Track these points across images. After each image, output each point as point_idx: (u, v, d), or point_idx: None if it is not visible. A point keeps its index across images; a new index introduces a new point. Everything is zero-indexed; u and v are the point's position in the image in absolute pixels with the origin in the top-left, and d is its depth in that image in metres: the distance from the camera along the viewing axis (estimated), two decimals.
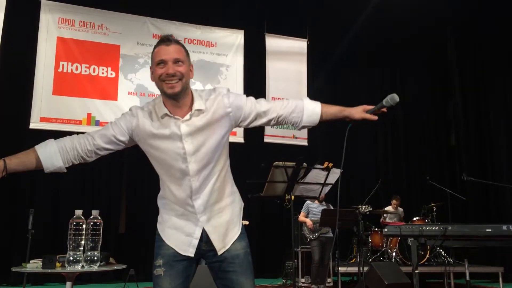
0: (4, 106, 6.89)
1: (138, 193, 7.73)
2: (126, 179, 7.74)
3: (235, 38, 8.51)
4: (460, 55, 9.42)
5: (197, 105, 1.86)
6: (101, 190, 7.56)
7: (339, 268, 6.66)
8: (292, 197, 3.65)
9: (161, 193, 1.98)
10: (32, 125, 7.05)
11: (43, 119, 7.14)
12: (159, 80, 1.82)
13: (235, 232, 1.97)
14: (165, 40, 1.85)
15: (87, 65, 7.53)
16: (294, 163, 3.56)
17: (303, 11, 8.39)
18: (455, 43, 9.43)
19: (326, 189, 3.90)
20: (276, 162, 3.58)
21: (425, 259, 7.13)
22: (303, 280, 6.90)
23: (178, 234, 1.90)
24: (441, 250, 7.18)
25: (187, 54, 1.89)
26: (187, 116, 1.84)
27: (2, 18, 6.95)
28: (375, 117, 2.07)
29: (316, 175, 3.69)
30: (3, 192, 6.75)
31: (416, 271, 3.62)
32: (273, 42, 8.72)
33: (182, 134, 1.82)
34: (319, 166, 3.71)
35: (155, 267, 1.88)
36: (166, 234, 1.92)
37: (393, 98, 1.98)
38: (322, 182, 3.74)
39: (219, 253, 1.92)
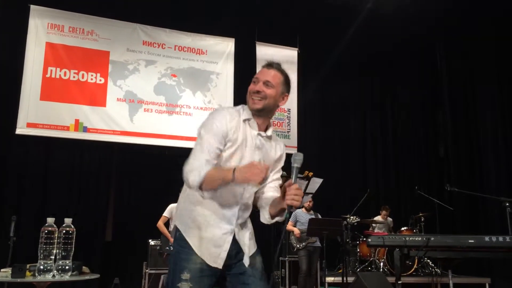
0: None
1: (125, 201, 7.66)
2: (113, 187, 7.67)
3: (226, 46, 8.51)
4: (449, 65, 9.48)
5: (270, 132, 2.09)
6: (88, 198, 7.47)
7: (326, 278, 6.63)
8: None
9: (196, 200, 1.96)
10: (18, 131, 6.98)
11: (30, 125, 7.07)
12: (248, 94, 2.05)
13: (254, 245, 2.08)
14: (268, 64, 2.09)
15: (76, 71, 7.48)
16: None
17: (294, 20, 8.41)
18: (445, 54, 9.50)
19: (307, 198, 3.87)
20: None
21: (412, 270, 7.12)
22: None
23: (208, 245, 1.92)
24: (428, 261, 7.17)
25: (284, 84, 2.07)
26: (263, 133, 2.04)
27: None
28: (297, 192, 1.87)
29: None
30: None
31: (399, 282, 3.59)
32: (263, 51, 8.73)
33: (255, 144, 2.00)
34: (299, 175, 3.68)
35: (181, 280, 1.87)
36: (196, 243, 1.92)
37: (298, 156, 1.91)
38: (303, 191, 3.70)
39: (245, 259, 1.97)
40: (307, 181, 3.63)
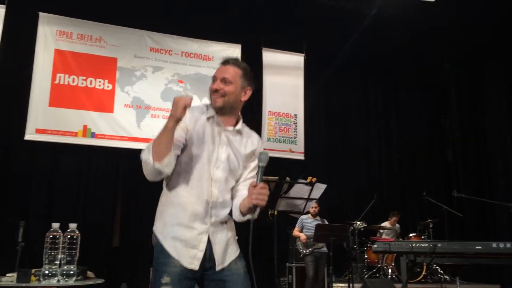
0: (0, 117, 6.89)
1: (133, 206, 7.69)
2: (120, 193, 7.70)
3: (232, 52, 8.54)
4: (456, 69, 9.44)
5: (239, 126, 2.07)
6: (95, 204, 7.50)
7: (334, 284, 6.60)
8: (275, 212, 3.61)
9: (168, 196, 1.97)
10: (27, 137, 7.04)
11: (38, 131, 7.13)
12: (209, 93, 2.05)
13: (234, 251, 2.03)
14: (225, 61, 2.10)
15: (84, 77, 7.54)
16: (277, 178, 3.54)
17: (300, 26, 8.43)
18: (452, 58, 9.46)
19: (310, 203, 3.86)
20: None
21: (421, 276, 7.06)
22: None
23: (182, 246, 1.90)
24: (437, 267, 7.10)
25: (244, 78, 2.07)
26: (230, 128, 2.03)
27: (1, 30, 6.98)
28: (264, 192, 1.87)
29: (299, 189, 3.65)
30: (1, 205, 6.71)
31: None
32: (270, 57, 8.76)
33: (221, 140, 1.99)
34: (302, 180, 3.68)
35: (161, 284, 1.85)
36: (171, 246, 1.90)
37: (263, 155, 1.91)
38: (306, 197, 3.70)
39: (217, 268, 1.95)
40: (310, 187, 3.63)
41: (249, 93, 2.09)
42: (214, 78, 2.05)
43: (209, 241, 1.94)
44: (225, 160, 1.99)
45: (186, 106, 1.82)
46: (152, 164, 1.81)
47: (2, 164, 6.98)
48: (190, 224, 1.92)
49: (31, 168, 7.20)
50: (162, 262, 1.90)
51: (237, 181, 2.07)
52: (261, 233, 7.65)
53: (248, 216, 1.97)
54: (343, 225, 5.94)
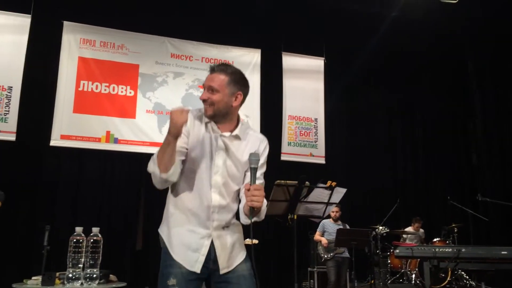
0: (26, 124, 7.07)
1: (156, 209, 7.75)
2: (143, 197, 7.79)
3: (252, 57, 8.58)
4: (480, 71, 9.26)
5: (237, 131, 2.05)
6: (118, 208, 7.61)
7: None
8: (295, 217, 3.60)
9: (172, 201, 2.02)
10: (52, 143, 7.20)
11: (63, 137, 7.28)
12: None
13: (241, 255, 2.04)
14: (211, 69, 2.06)
15: (107, 84, 7.68)
16: (296, 182, 3.53)
17: (320, 29, 8.41)
18: (475, 59, 9.29)
19: (330, 208, 3.83)
20: (277, 181, 3.55)
21: (446, 282, 6.91)
22: None
23: (185, 249, 1.94)
24: (462, 273, 6.95)
25: (232, 83, 2.02)
26: (227, 133, 2.02)
27: (27, 39, 7.18)
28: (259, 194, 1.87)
29: (319, 194, 3.63)
30: (23, 209, 6.86)
31: None
32: (289, 61, 8.76)
33: (218, 146, 1.99)
34: (322, 185, 3.67)
35: (168, 286, 1.89)
36: (175, 250, 1.95)
37: (254, 156, 1.89)
38: (326, 201, 3.68)
39: (221, 272, 1.96)
40: (330, 191, 3.61)
41: (240, 97, 2.04)
42: (203, 87, 2.04)
43: (213, 245, 1.97)
44: (222, 165, 1.99)
45: (184, 123, 1.86)
46: (159, 175, 1.88)
47: (29, 169, 7.15)
48: (192, 228, 1.96)
49: (56, 173, 7.36)
50: (167, 264, 1.95)
51: (240, 185, 2.08)
52: (281, 237, 7.69)
53: (256, 219, 1.97)
54: (364, 230, 5.87)
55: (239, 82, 2.04)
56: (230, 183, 2.01)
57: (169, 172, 1.87)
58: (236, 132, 2.05)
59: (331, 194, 3.62)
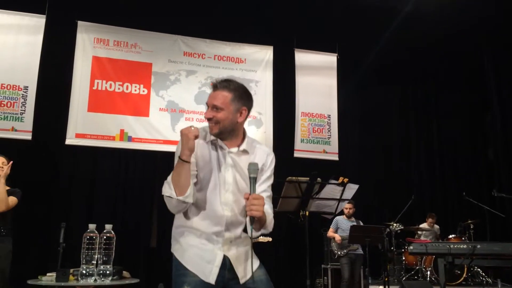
0: (42, 123, 7.17)
1: None
2: (157, 194, 7.83)
3: (264, 54, 8.57)
4: (497, 65, 9.10)
5: (244, 146, 2.05)
6: (133, 205, 7.68)
7: (371, 286, 6.51)
8: (307, 213, 3.60)
9: (182, 221, 2.03)
10: (68, 141, 7.29)
11: (78, 135, 7.37)
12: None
13: (255, 263, 2.03)
14: (214, 86, 2.02)
15: (121, 83, 7.75)
16: (308, 178, 3.52)
17: (333, 25, 8.35)
18: (491, 53, 9.13)
19: (343, 204, 3.82)
20: (289, 177, 3.55)
21: (461, 279, 6.84)
22: None
23: (199, 260, 1.95)
24: (478, 270, 6.87)
25: (236, 100, 2.00)
26: (234, 149, 2.02)
27: (41, 39, 7.28)
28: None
29: (331, 190, 3.61)
30: (39, 207, 6.96)
31: None
32: (302, 57, 8.73)
33: (226, 163, 1.99)
34: (334, 181, 3.65)
35: None
36: (188, 262, 1.96)
37: (253, 166, 1.87)
38: (338, 197, 3.66)
39: (242, 281, 1.97)
40: (342, 188, 3.59)
41: (245, 113, 2.03)
42: (207, 105, 2.02)
43: (226, 256, 1.99)
44: (232, 182, 1.99)
45: (196, 137, 1.88)
46: (176, 198, 1.88)
47: (45, 168, 7.25)
48: (204, 242, 1.98)
49: (72, 172, 7.46)
50: (180, 274, 1.95)
51: None
52: (295, 234, 7.67)
53: (263, 231, 1.99)
54: (378, 227, 5.83)
55: (243, 97, 2.02)
56: (240, 198, 1.99)
57: (186, 194, 1.88)
58: (243, 146, 2.05)
59: (343, 191, 3.61)
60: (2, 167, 3.88)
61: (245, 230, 2.08)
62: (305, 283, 3.66)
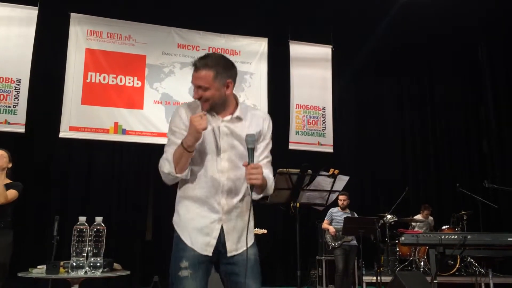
0: (35, 116, 7.14)
1: (164, 200, 7.82)
2: (152, 187, 7.85)
3: (259, 46, 8.55)
4: (492, 58, 9.11)
5: (238, 113, 2.08)
6: (128, 198, 7.69)
7: (365, 277, 6.55)
8: (298, 204, 3.61)
9: (182, 191, 2.08)
10: (61, 134, 7.27)
11: (72, 128, 7.35)
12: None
13: (249, 239, 2.02)
14: (194, 65, 2.02)
15: (114, 75, 7.71)
16: (299, 170, 3.53)
17: (327, 17, 8.33)
18: (487, 45, 9.14)
19: (333, 196, 3.83)
20: (280, 169, 3.56)
21: (454, 269, 6.89)
22: None
23: (196, 234, 2.01)
24: (471, 260, 6.92)
25: (219, 75, 2.00)
26: (228, 117, 2.06)
27: (34, 31, 7.22)
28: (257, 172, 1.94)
29: (321, 182, 3.63)
30: (34, 200, 6.94)
31: (435, 281, 3.50)
32: (297, 49, 8.71)
33: (220, 132, 2.03)
34: (324, 173, 3.66)
35: (180, 268, 1.96)
36: (187, 236, 2.02)
37: (250, 137, 1.95)
38: (329, 189, 3.67)
39: (228, 254, 2.02)
40: (333, 179, 3.60)
41: (231, 85, 2.05)
42: (193, 85, 2.04)
43: (222, 229, 2.03)
44: (228, 149, 2.04)
45: (205, 129, 1.94)
46: (174, 175, 1.98)
47: (39, 161, 7.23)
48: (203, 214, 2.02)
49: (66, 165, 7.44)
50: (179, 249, 2.01)
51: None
52: (289, 225, 7.70)
53: (255, 196, 2.06)
54: (370, 218, 5.85)
55: (225, 70, 2.03)
56: (238, 165, 2.04)
57: (185, 172, 2.00)
58: (236, 113, 2.08)
59: (334, 182, 3.62)
60: (2, 159, 3.86)
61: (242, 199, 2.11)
62: (296, 274, 3.68)
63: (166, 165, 1.97)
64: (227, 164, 2.02)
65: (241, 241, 2.05)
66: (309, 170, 3.56)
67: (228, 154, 2.03)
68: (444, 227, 7.51)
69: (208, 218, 2.02)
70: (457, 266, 6.85)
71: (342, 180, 3.70)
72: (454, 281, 6.74)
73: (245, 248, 2.01)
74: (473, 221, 7.57)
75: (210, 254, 2.00)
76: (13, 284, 6.29)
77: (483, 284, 6.48)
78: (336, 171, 3.60)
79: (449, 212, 8.33)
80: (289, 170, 3.50)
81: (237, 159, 2.04)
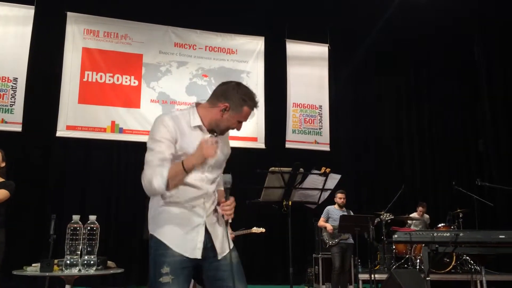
0: (32, 115, 7.15)
1: None
2: None
3: (256, 44, 8.57)
4: (488, 55, 9.14)
5: None
6: (126, 197, 7.70)
7: (361, 275, 6.58)
8: (290, 203, 3.65)
9: (162, 203, 2.08)
10: (58, 133, 7.29)
11: (69, 127, 7.37)
12: (236, 123, 2.12)
13: (231, 243, 2.11)
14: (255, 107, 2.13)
15: (111, 74, 7.73)
16: (291, 169, 3.56)
17: (324, 16, 8.34)
18: (483, 44, 9.16)
19: (326, 194, 3.86)
20: (272, 168, 3.59)
21: (450, 267, 6.93)
22: (324, 287, 6.82)
23: (183, 238, 2.02)
24: (467, 258, 6.96)
25: (212, 103, 2.13)
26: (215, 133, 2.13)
27: (30, 30, 7.24)
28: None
29: (313, 180, 3.66)
30: (31, 199, 6.96)
31: (427, 278, 3.53)
32: (293, 48, 8.73)
33: None
34: (316, 171, 3.69)
35: (161, 274, 1.95)
36: (170, 240, 2.01)
37: (227, 178, 2.06)
38: (320, 187, 3.70)
39: (219, 257, 2.07)
40: (324, 178, 3.63)
41: (222, 106, 2.08)
42: (243, 120, 2.15)
43: (207, 232, 2.07)
44: (214, 161, 2.10)
45: (213, 158, 2.01)
46: (162, 189, 1.98)
47: (36, 160, 7.25)
48: (188, 218, 2.06)
49: (63, 164, 7.46)
50: (160, 254, 2.00)
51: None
52: (284, 224, 7.73)
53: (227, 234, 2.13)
54: (364, 216, 5.86)
55: (217, 96, 2.11)
56: (218, 172, 2.17)
57: (173, 190, 2.02)
58: None
59: (325, 181, 3.65)
60: None
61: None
62: (288, 271, 3.72)
63: (157, 180, 1.94)
64: (210, 172, 2.10)
65: (224, 243, 2.09)
66: (301, 169, 3.59)
67: (213, 165, 2.11)
68: (440, 225, 7.54)
69: (192, 222, 2.05)
70: (452, 264, 6.89)
71: (334, 179, 3.73)
72: (450, 278, 6.78)
73: (227, 251, 2.07)
74: (469, 219, 7.60)
75: (199, 257, 2.02)
76: (10, 283, 6.33)
77: (478, 281, 6.50)
78: (328, 170, 3.63)
79: (445, 210, 8.37)
80: (281, 168, 3.54)
81: (215, 167, 2.14)
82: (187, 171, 1.94)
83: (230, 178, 2.02)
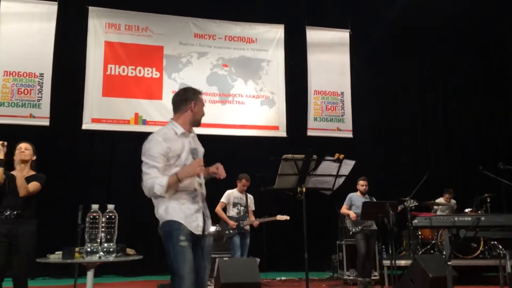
0: (58, 109, 7.34)
1: None
2: None
3: (275, 32, 8.53)
4: None
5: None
6: None
7: (385, 261, 6.54)
8: (304, 189, 3.65)
9: (168, 196, 2.59)
10: (84, 126, 7.48)
11: (94, 120, 7.54)
12: (203, 110, 2.81)
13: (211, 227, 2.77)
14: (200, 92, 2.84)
15: (133, 67, 7.85)
16: (304, 156, 3.55)
17: (344, 0, 8.22)
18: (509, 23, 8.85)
19: (340, 180, 3.83)
20: (285, 155, 3.60)
21: (478, 252, 6.81)
22: (348, 273, 6.81)
23: (190, 219, 2.57)
24: (495, 242, 6.82)
25: (178, 105, 2.81)
26: (192, 134, 2.77)
27: (54, 27, 7.41)
28: None
29: (327, 167, 3.65)
30: (59, 191, 7.14)
31: (448, 263, 3.49)
32: (313, 35, 8.65)
33: (190, 144, 2.70)
34: (329, 158, 3.67)
35: (180, 240, 2.48)
36: (183, 219, 2.55)
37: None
38: (335, 174, 3.68)
39: (206, 233, 2.65)
40: (338, 164, 3.60)
41: (192, 104, 2.73)
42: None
43: (203, 215, 2.65)
44: (201, 156, 2.76)
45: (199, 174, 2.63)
46: (161, 194, 2.54)
47: (63, 152, 7.45)
48: (190, 205, 2.61)
49: (89, 156, 7.64)
50: (176, 228, 2.52)
51: None
52: (314, 211, 7.75)
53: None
54: (384, 202, 5.77)
55: (182, 99, 2.79)
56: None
57: (169, 193, 2.57)
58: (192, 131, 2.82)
59: (339, 167, 3.63)
60: (24, 152, 3.93)
61: None
62: (303, 257, 3.75)
63: (158, 188, 2.51)
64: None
65: (209, 224, 2.71)
66: (314, 155, 3.58)
67: (201, 158, 2.72)
68: (466, 210, 7.40)
69: (194, 207, 2.61)
70: (480, 249, 6.77)
71: (348, 165, 3.70)
72: (478, 264, 6.68)
73: (208, 232, 2.68)
74: (496, 204, 7.44)
75: (201, 233, 2.61)
76: (43, 271, 6.56)
77: (508, 266, 6.37)
78: (342, 156, 3.61)
79: (473, 195, 8.20)
80: (294, 155, 3.56)
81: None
82: (180, 181, 2.52)
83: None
